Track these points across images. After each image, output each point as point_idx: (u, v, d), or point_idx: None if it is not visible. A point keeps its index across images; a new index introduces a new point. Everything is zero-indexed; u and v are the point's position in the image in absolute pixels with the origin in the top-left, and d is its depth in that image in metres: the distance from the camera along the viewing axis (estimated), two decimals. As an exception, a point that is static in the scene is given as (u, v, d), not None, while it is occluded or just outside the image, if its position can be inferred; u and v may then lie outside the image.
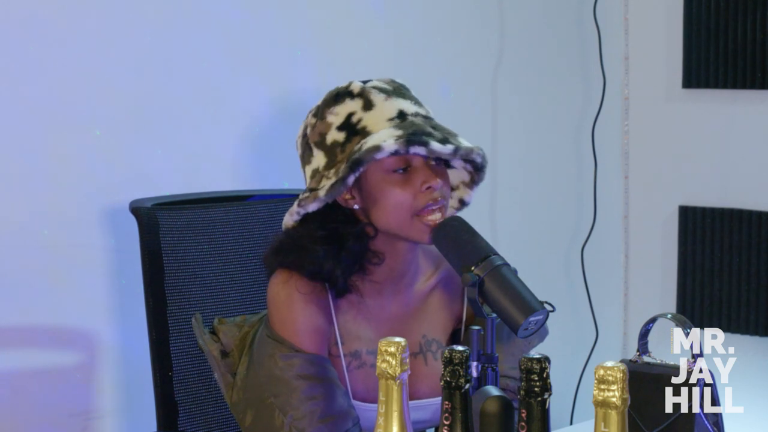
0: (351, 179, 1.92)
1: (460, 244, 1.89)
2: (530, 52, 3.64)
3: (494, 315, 1.80)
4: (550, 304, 1.83)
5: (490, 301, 1.81)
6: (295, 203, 1.99)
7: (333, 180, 1.94)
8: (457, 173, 2.08)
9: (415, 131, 1.92)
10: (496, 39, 3.54)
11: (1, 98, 2.50)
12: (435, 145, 1.91)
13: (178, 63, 2.77)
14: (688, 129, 3.71)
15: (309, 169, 2.01)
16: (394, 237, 1.98)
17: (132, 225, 2.31)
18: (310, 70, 3.03)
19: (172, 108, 2.76)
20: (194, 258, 2.31)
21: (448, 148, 1.93)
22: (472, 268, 1.83)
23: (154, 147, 2.73)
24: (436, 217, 1.95)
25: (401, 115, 1.97)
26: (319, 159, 1.99)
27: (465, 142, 1.98)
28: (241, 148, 2.90)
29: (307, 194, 1.97)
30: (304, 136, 2.03)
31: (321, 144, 1.99)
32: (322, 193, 1.94)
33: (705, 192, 3.67)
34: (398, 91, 2.02)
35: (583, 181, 3.79)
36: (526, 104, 3.65)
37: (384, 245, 2.00)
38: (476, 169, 2.06)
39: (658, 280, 3.79)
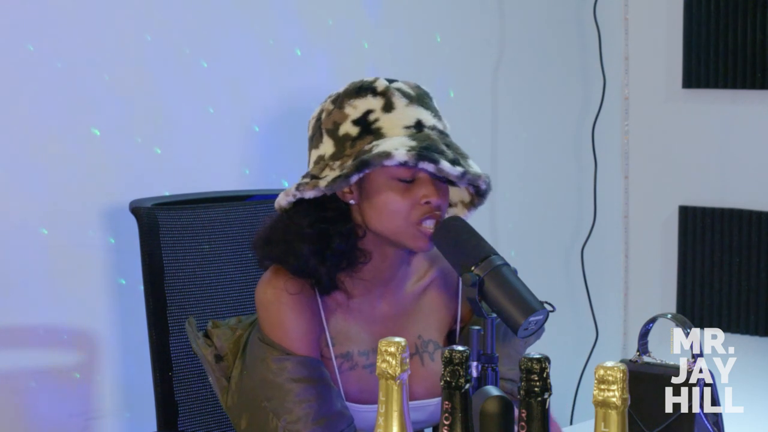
0: (354, 178, 1.92)
1: (460, 244, 1.89)
2: (530, 52, 3.64)
3: (494, 315, 1.80)
4: (550, 304, 1.82)
5: (490, 301, 1.81)
6: (294, 186, 1.98)
7: (336, 173, 1.93)
8: (458, 192, 2.08)
9: (428, 146, 1.91)
10: (496, 39, 3.54)
11: (1, 98, 2.50)
12: (444, 165, 1.91)
13: (178, 63, 2.77)
14: (688, 129, 3.71)
15: (315, 154, 2.00)
16: (384, 240, 1.98)
17: (132, 225, 2.31)
18: (310, 70, 3.03)
19: (172, 108, 2.76)
20: (194, 258, 2.31)
21: (456, 170, 1.93)
22: (472, 268, 1.83)
23: (153, 147, 2.73)
24: (430, 225, 1.95)
25: (418, 126, 1.96)
26: (327, 146, 1.98)
27: (474, 167, 1.97)
28: (240, 148, 2.90)
29: (307, 180, 1.96)
30: (318, 119, 2.01)
31: (332, 132, 1.98)
32: (323, 183, 1.93)
33: (705, 192, 3.67)
34: (421, 99, 2.01)
35: (583, 181, 3.79)
36: (526, 104, 3.65)
37: (372, 245, 1.99)
38: (479, 194, 2.06)
39: (658, 280, 3.79)
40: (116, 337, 2.68)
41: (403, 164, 1.90)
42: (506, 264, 1.85)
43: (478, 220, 2.09)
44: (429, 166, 1.91)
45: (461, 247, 1.88)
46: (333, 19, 3.09)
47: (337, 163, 1.95)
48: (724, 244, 3.60)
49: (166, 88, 2.75)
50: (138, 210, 2.29)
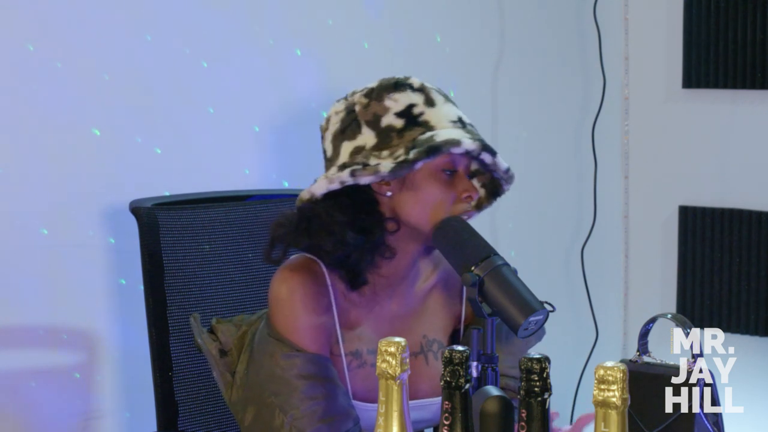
0: (419, 164, 1.93)
1: (460, 244, 1.89)
2: (530, 52, 3.64)
3: (494, 315, 1.80)
4: (550, 304, 1.83)
5: (490, 301, 1.81)
6: (346, 172, 1.95)
7: (393, 160, 1.93)
8: None
9: (481, 139, 1.98)
10: (496, 39, 3.54)
11: (1, 98, 2.50)
12: (499, 158, 2.01)
13: (178, 63, 2.77)
14: (688, 129, 3.71)
15: (350, 145, 1.99)
16: (415, 233, 1.99)
17: (132, 225, 2.31)
18: (310, 70, 3.03)
19: (172, 108, 2.76)
20: (194, 258, 2.31)
21: (504, 165, 2.04)
22: (472, 268, 1.83)
23: (153, 147, 2.73)
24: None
25: (461, 121, 2.01)
26: (367, 137, 1.98)
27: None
28: (240, 148, 2.90)
29: (359, 167, 1.94)
30: (351, 111, 2.01)
31: (373, 124, 1.98)
32: (384, 169, 1.92)
33: (705, 192, 3.67)
34: (450, 99, 2.06)
35: (583, 181, 3.79)
36: (526, 104, 3.65)
37: (398, 242, 2.00)
38: (489, 194, 2.12)
39: (658, 280, 3.79)
40: (116, 337, 2.69)
41: (467, 153, 1.96)
42: (506, 264, 1.85)
43: (478, 220, 2.10)
44: (487, 158, 1.99)
45: (461, 247, 1.88)
46: (333, 19, 3.09)
47: (385, 152, 1.95)
48: (724, 244, 3.60)
49: (166, 88, 2.75)
50: (138, 210, 2.29)
